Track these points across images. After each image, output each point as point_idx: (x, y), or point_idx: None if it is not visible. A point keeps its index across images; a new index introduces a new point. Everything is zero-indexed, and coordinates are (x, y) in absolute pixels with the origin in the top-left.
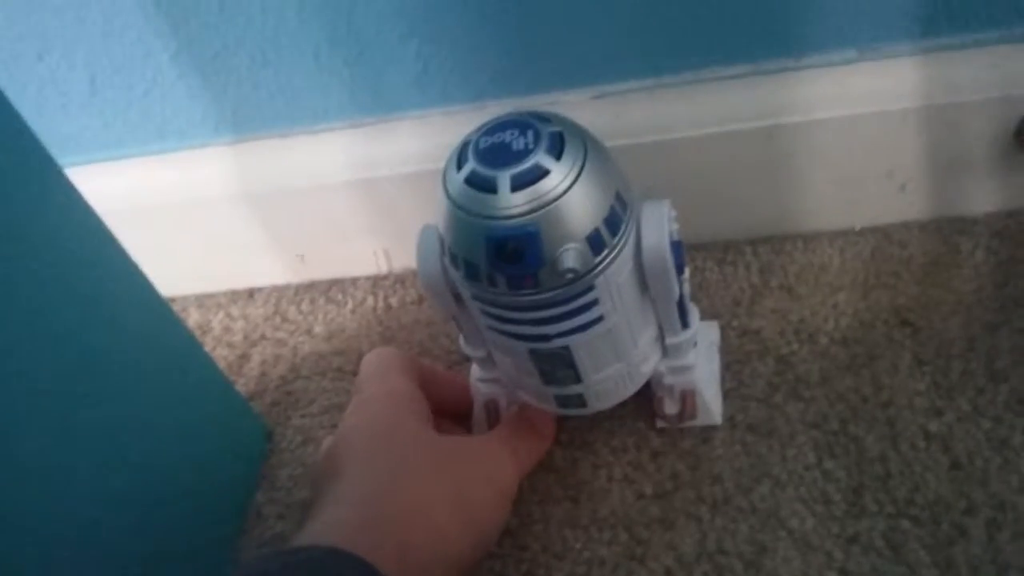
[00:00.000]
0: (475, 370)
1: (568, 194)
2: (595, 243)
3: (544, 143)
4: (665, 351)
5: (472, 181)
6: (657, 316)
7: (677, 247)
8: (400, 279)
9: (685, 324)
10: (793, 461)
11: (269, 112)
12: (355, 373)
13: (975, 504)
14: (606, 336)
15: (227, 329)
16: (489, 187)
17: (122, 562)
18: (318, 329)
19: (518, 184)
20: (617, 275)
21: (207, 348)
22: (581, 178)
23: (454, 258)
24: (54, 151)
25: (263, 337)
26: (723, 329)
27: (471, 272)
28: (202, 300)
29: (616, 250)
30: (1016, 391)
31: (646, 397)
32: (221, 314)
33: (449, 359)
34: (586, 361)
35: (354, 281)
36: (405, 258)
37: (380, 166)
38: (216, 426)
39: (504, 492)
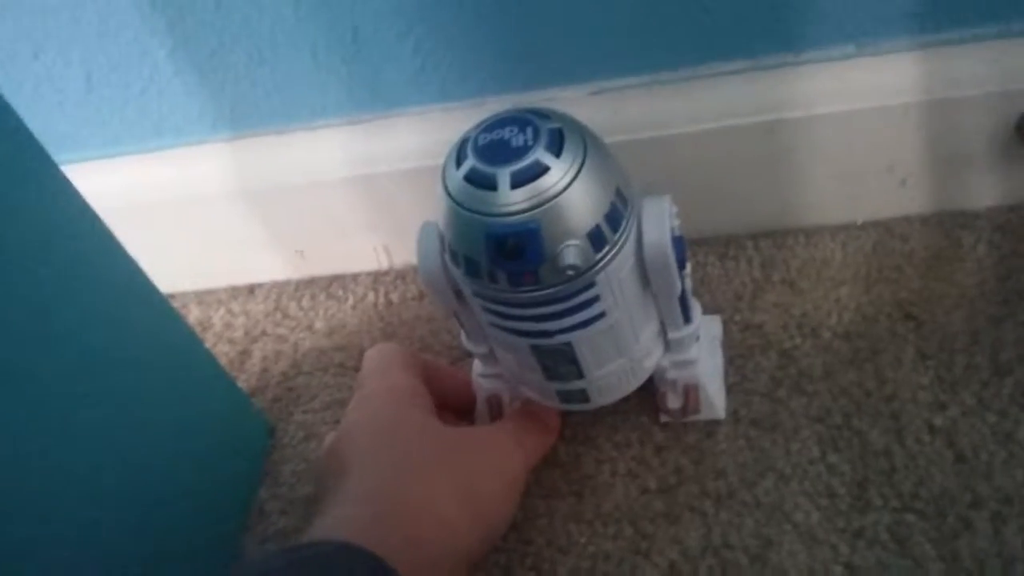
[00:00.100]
0: (477, 365)
1: (568, 191)
2: (596, 239)
3: (544, 139)
4: (667, 346)
5: (472, 178)
6: (659, 311)
7: (678, 242)
8: (401, 275)
9: (687, 319)
10: (797, 455)
11: (267, 109)
12: (357, 369)
13: (980, 497)
14: (608, 332)
15: (228, 325)
16: (489, 184)
17: (124, 560)
18: (319, 325)
19: (518, 181)
20: (618, 271)
21: (208, 345)
22: (581, 174)
23: (454, 255)
24: (51, 149)
25: (264, 333)
26: (725, 324)
27: (472, 269)
28: (202, 296)
29: (617, 246)
30: (1021, 384)
31: (649, 392)
32: (222, 310)
33: (451, 355)
34: (588, 357)
35: (355, 277)
36: (405, 254)
37: (379, 162)
38: (218, 422)
39: (512, 484)
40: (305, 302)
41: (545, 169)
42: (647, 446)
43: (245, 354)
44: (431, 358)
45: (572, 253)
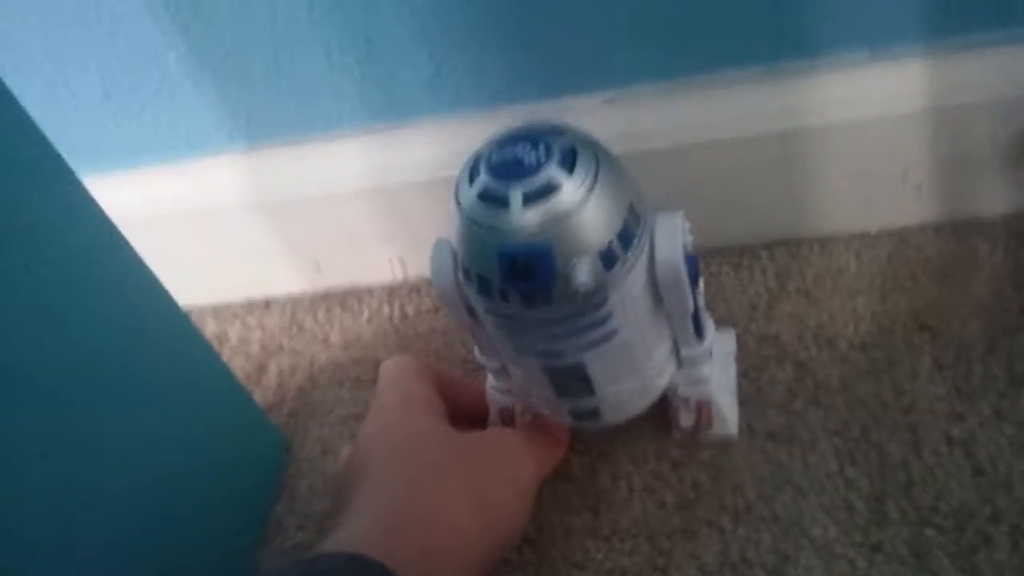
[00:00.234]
0: (490, 378)
1: (581, 209)
2: (608, 258)
3: (556, 157)
4: (680, 363)
5: (484, 196)
6: (671, 328)
7: (691, 260)
8: (415, 287)
9: (700, 336)
10: (815, 469)
11: (282, 119)
12: (373, 382)
13: (999, 511)
14: (620, 350)
15: (244, 339)
16: (501, 202)
17: (141, 573)
18: (335, 338)
19: (530, 199)
20: (631, 289)
21: (225, 359)
22: (593, 193)
23: (467, 273)
24: (67, 161)
25: (280, 347)
26: (740, 335)
27: (484, 287)
28: (218, 310)
29: (629, 264)
30: None
31: (665, 407)
32: (238, 324)
33: (465, 368)
34: (600, 375)
35: (369, 290)
36: (420, 266)
37: (394, 173)
38: (234, 437)
39: (524, 492)
40: (321, 315)
41: (557, 187)
42: (664, 461)
43: (261, 368)
44: (446, 369)
45: (584, 272)
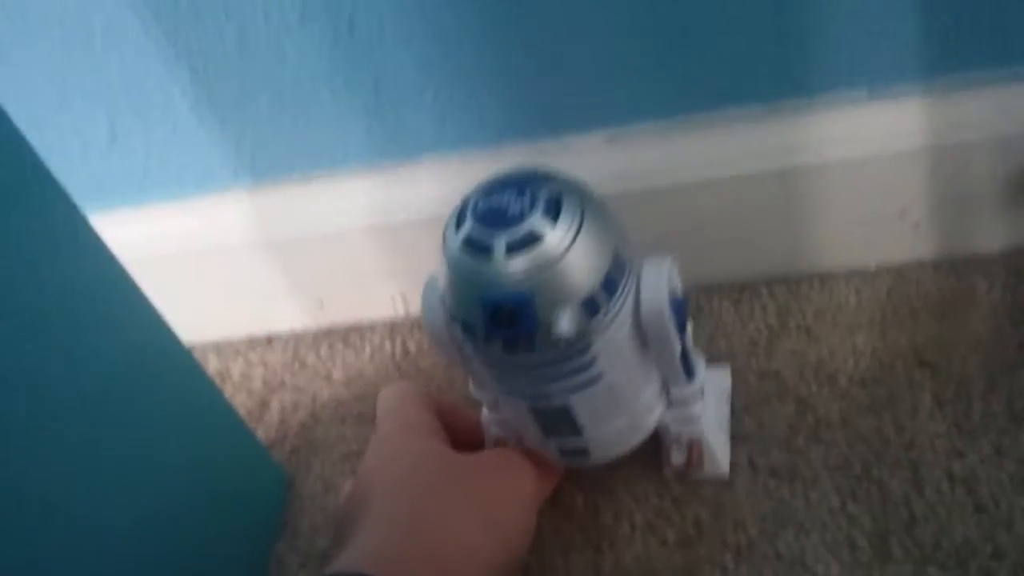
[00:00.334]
0: (485, 409)
1: (563, 258)
2: (591, 306)
3: (540, 206)
4: (670, 402)
5: (469, 243)
6: (660, 370)
7: (679, 305)
8: (417, 323)
9: (690, 376)
10: (817, 506)
11: (287, 157)
12: (375, 418)
13: (1001, 547)
14: (607, 393)
15: (246, 376)
16: (485, 250)
17: None
18: (337, 375)
19: (513, 248)
20: (616, 334)
21: (227, 395)
22: (576, 243)
23: (453, 316)
24: (73, 198)
25: (282, 383)
26: (741, 371)
27: (469, 331)
28: (220, 347)
29: (613, 312)
30: None
31: (660, 444)
32: (240, 361)
33: (467, 403)
34: (587, 417)
35: (372, 326)
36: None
37: (398, 211)
38: (236, 474)
39: (529, 507)
40: (323, 352)
41: (540, 237)
42: (665, 498)
43: (264, 405)
44: (444, 398)
45: (566, 320)
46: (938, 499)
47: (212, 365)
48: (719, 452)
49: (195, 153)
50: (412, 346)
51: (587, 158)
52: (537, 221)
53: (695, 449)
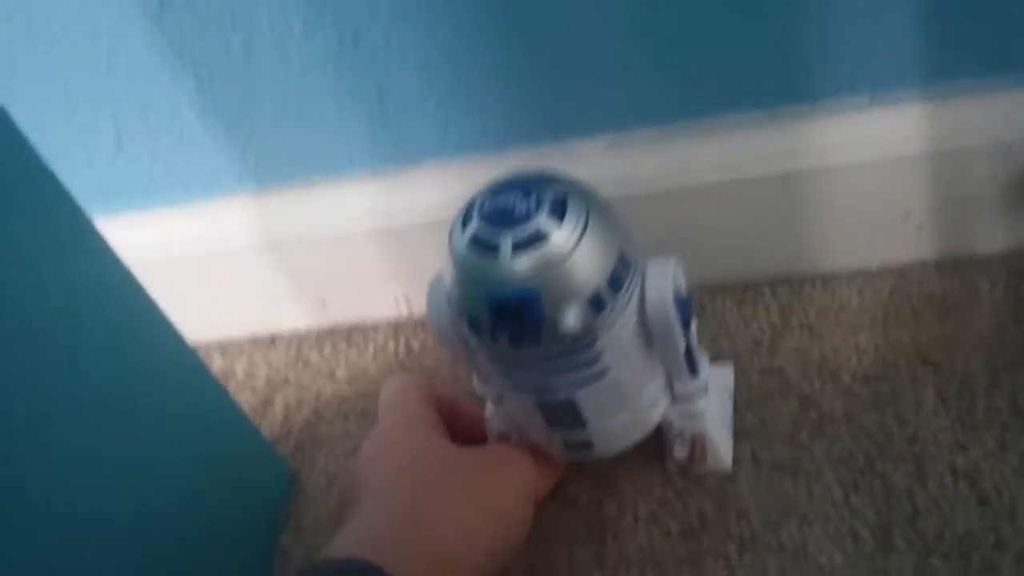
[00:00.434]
0: (489, 404)
1: (570, 257)
2: (596, 303)
3: (546, 206)
4: (674, 397)
5: (476, 242)
6: (665, 366)
7: (684, 304)
8: (420, 323)
9: (694, 372)
10: (820, 498)
11: (292, 162)
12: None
13: (1004, 539)
14: (611, 388)
15: (250, 375)
16: (491, 249)
17: None
18: (340, 373)
19: (519, 246)
20: (621, 331)
21: (231, 393)
22: (583, 242)
23: (460, 312)
24: (79, 202)
25: (286, 381)
26: (744, 369)
27: (475, 327)
28: (225, 347)
29: (618, 309)
30: None
31: (664, 439)
32: (244, 360)
33: (470, 400)
34: (592, 411)
35: (375, 326)
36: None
37: (401, 215)
38: (241, 469)
39: (527, 496)
40: (326, 351)
41: (546, 236)
42: (669, 490)
43: (267, 402)
44: (446, 393)
45: (572, 317)
46: (941, 492)
47: (217, 364)
48: (722, 447)
49: (201, 159)
50: (416, 345)
51: (589, 163)
52: (543, 220)
53: (698, 444)
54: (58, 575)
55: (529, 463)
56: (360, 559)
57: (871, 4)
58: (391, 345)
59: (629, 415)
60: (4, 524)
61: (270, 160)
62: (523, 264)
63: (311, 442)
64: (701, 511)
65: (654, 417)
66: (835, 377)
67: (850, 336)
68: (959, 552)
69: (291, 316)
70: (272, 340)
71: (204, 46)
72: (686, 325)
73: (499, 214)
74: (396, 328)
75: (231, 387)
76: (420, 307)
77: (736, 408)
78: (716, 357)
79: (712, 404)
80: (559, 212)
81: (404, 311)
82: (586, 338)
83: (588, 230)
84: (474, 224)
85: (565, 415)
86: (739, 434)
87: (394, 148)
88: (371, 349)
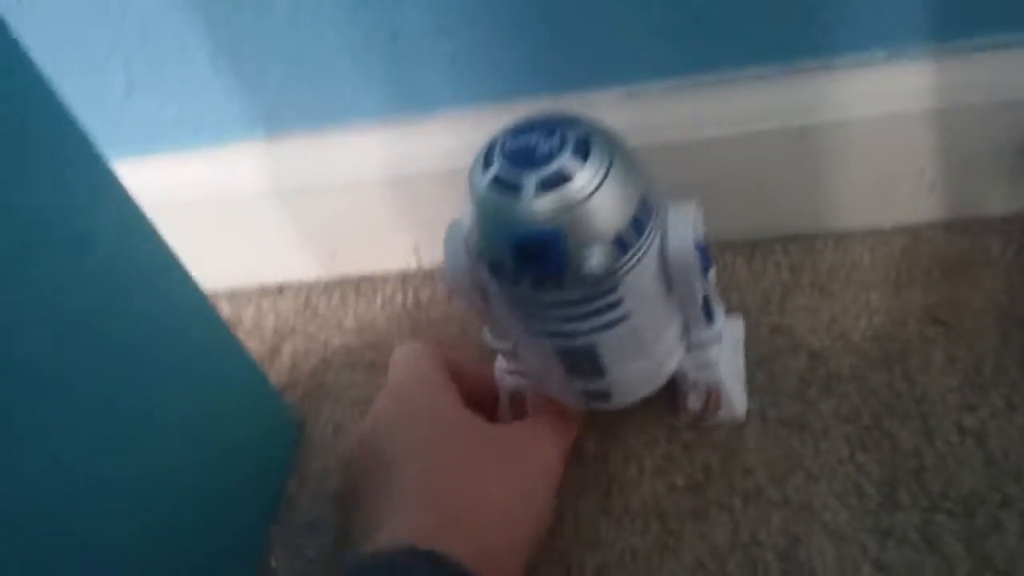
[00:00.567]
0: (500, 361)
1: (593, 197)
2: (620, 245)
3: (570, 146)
4: (689, 346)
5: (498, 182)
6: (682, 313)
7: (703, 250)
8: (429, 275)
9: (710, 320)
10: (826, 455)
11: (304, 109)
12: (386, 367)
13: (1010, 497)
14: (631, 334)
15: (258, 324)
16: (514, 189)
17: (153, 550)
18: (348, 323)
19: (543, 187)
20: (642, 275)
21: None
22: (606, 182)
23: (480, 255)
24: None
25: (294, 331)
26: (754, 326)
27: (497, 270)
28: (233, 295)
29: (641, 251)
30: None
31: (676, 390)
32: (252, 308)
33: (479, 353)
34: (610, 357)
35: (384, 277)
36: (435, 254)
37: (413, 163)
38: (248, 416)
39: (557, 475)
40: (335, 301)
41: (570, 176)
42: (675, 444)
43: (275, 351)
44: (457, 358)
45: (595, 258)
46: (948, 450)
47: (224, 312)
48: (735, 397)
49: (211, 104)
50: (424, 296)
51: (605, 112)
52: (567, 160)
53: (712, 394)
54: (59, 519)
55: (552, 441)
56: (426, 549)
57: None
58: (399, 297)
59: (647, 362)
60: (3, 457)
61: (281, 107)
62: (547, 204)
63: (318, 391)
64: (707, 465)
65: (670, 366)
66: (844, 336)
67: (861, 295)
68: (964, 510)
69: (300, 265)
70: (280, 289)
71: None
72: (705, 271)
73: (522, 154)
74: (405, 279)
75: (239, 335)
76: (430, 258)
77: (745, 364)
78: (726, 312)
79: (725, 354)
80: (583, 152)
81: (413, 263)
82: (608, 281)
83: (612, 171)
84: (496, 164)
85: (584, 362)
86: (747, 391)
87: (407, 96)
88: (379, 300)
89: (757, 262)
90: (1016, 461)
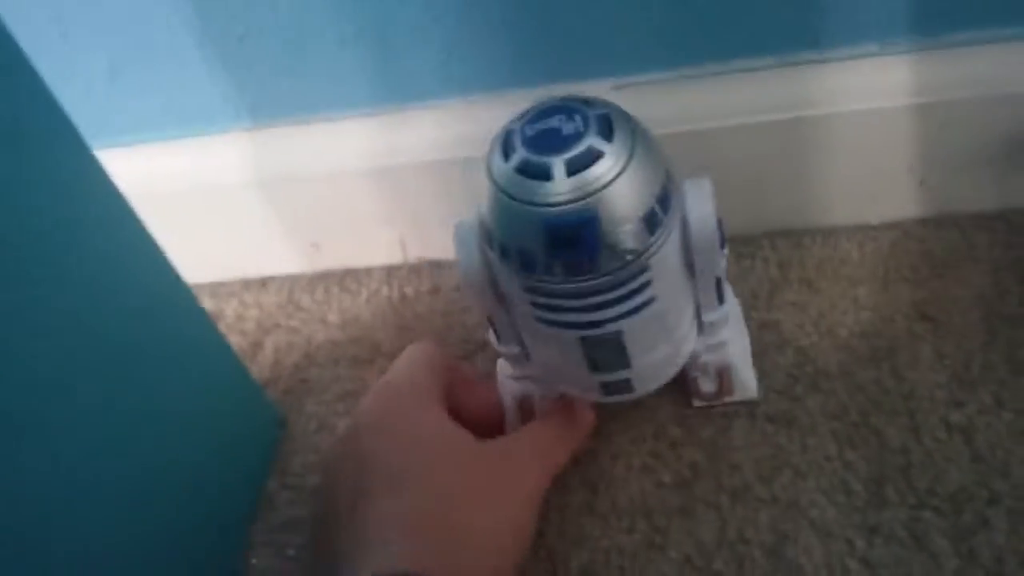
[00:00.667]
0: (505, 367)
1: (623, 175)
2: (651, 222)
3: (594, 126)
4: (701, 329)
5: (524, 169)
6: (695, 294)
7: (719, 224)
8: (415, 269)
9: (721, 300)
10: (814, 451)
11: (288, 99)
12: (370, 362)
13: (997, 494)
14: (656, 318)
15: (240, 317)
16: (543, 174)
17: (132, 546)
18: (332, 318)
19: (573, 169)
20: (668, 255)
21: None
22: (634, 159)
23: (505, 250)
24: None
25: (277, 325)
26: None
27: (526, 262)
28: (215, 288)
29: (669, 228)
30: None
31: (667, 386)
32: (234, 302)
33: (465, 348)
34: (636, 344)
35: (368, 271)
36: (421, 248)
37: (399, 154)
38: (229, 412)
39: (539, 500)
40: (319, 295)
41: (599, 155)
42: (662, 441)
43: (257, 345)
44: (464, 370)
45: (630, 237)
46: (935, 447)
47: (207, 305)
48: (747, 376)
49: (195, 94)
50: (409, 291)
51: None
52: (594, 140)
53: (724, 376)
54: (33, 514)
55: (537, 465)
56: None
57: None
58: (384, 291)
59: (669, 347)
60: None
61: (267, 96)
62: (578, 186)
63: (301, 387)
64: (694, 462)
65: (686, 351)
66: (832, 332)
67: (849, 291)
68: (951, 507)
69: (283, 259)
70: (263, 283)
71: None
72: (722, 245)
73: (546, 138)
74: (390, 273)
75: (221, 329)
76: (416, 251)
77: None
78: None
79: (733, 334)
80: (607, 131)
81: (398, 257)
82: (639, 262)
83: (637, 147)
84: (520, 152)
85: (609, 351)
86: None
87: (395, 87)
88: (364, 294)
89: (745, 258)
90: (1003, 457)
